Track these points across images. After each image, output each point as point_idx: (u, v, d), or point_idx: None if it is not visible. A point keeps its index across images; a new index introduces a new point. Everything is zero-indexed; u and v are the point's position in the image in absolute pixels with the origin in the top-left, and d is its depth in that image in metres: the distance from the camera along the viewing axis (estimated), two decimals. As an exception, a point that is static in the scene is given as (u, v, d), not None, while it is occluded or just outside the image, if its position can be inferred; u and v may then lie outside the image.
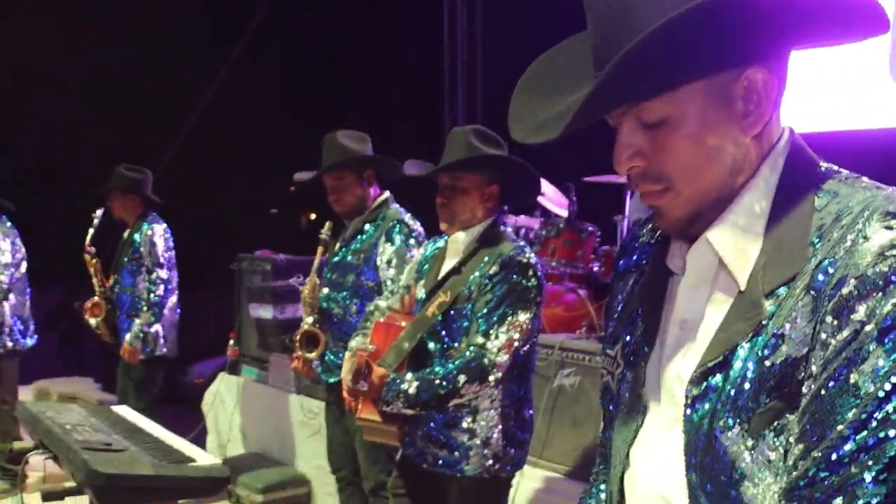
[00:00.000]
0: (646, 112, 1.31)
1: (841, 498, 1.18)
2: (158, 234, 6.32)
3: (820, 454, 1.19)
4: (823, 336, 1.21)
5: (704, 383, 1.33)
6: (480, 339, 3.23)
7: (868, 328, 1.17)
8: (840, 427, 1.18)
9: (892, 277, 1.17)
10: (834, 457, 1.18)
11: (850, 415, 1.18)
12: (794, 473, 1.22)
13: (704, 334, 1.38)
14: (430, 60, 10.02)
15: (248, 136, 11.69)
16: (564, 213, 6.57)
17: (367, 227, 4.53)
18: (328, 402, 4.91)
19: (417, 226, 4.53)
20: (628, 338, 1.54)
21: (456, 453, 3.35)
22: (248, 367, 7.15)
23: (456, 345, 3.36)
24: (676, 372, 1.41)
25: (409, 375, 3.24)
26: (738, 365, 1.29)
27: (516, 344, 3.26)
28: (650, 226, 1.61)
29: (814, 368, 1.22)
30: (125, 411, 3.40)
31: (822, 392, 1.20)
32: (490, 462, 3.36)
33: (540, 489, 4.59)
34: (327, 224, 4.67)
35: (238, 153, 11.59)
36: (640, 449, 1.46)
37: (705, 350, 1.34)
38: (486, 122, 5.37)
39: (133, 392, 6.36)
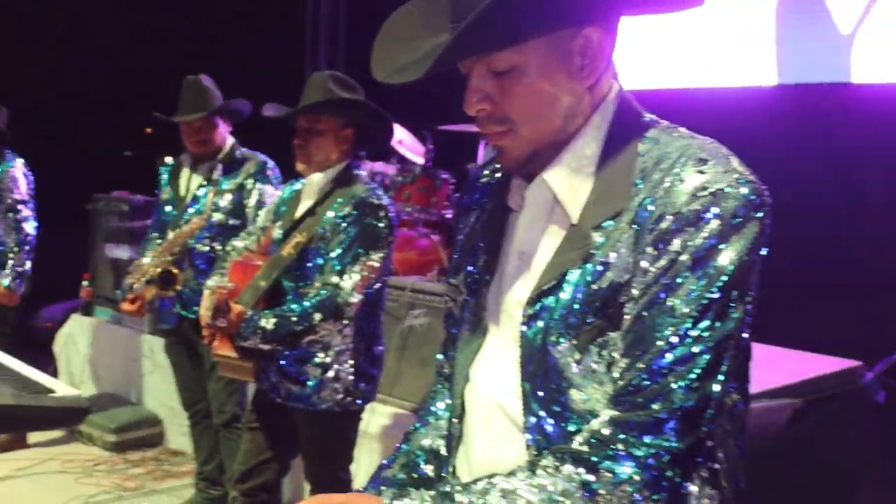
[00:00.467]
0: (495, 61, 1.47)
1: (659, 403, 1.38)
2: (20, 169, 6.14)
3: (643, 365, 1.39)
4: (644, 264, 1.41)
5: (538, 304, 1.50)
6: (335, 279, 3.37)
7: (683, 258, 1.38)
8: (660, 343, 1.38)
9: (703, 214, 1.38)
10: (654, 367, 1.38)
11: (667, 332, 1.38)
12: (620, 383, 1.42)
13: (539, 263, 1.54)
14: (293, 7, 10.02)
15: (103, 75, 11.46)
16: (420, 160, 6.74)
17: (226, 168, 4.63)
18: (171, 340, 4.99)
19: (277, 169, 4.68)
20: (470, 268, 1.70)
21: (308, 387, 3.50)
22: (101, 308, 7.12)
23: (310, 283, 3.48)
24: (515, 297, 1.57)
25: (266, 312, 3.36)
26: (568, 289, 1.47)
27: (370, 280, 3.42)
28: (491, 167, 1.79)
29: (635, 292, 1.42)
30: (-20, 346, 3.42)
31: (644, 313, 1.40)
32: (340, 396, 3.52)
33: (389, 425, 4.78)
34: (168, 160, 4.80)
35: (92, 91, 11.36)
36: (480, 365, 1.63)
37: (540, 275, 1.51)
38: (347, 69, 5.44)
39: (-14, 332, 6.27)
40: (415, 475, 1.73)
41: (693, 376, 1.37)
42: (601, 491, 1.38)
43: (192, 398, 5.03)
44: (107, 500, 5.28)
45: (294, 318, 3.31)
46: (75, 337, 7.20)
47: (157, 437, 6.41)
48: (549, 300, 1.49)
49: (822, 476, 3.68)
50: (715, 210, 1.38)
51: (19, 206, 6.05)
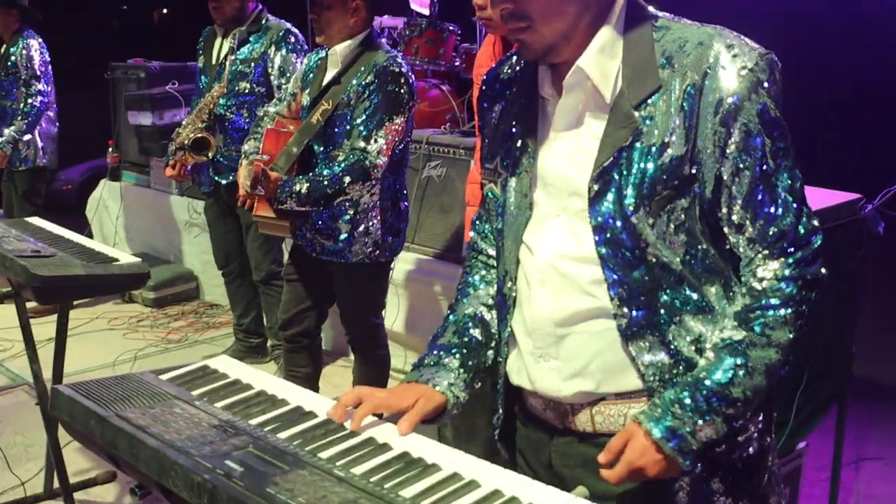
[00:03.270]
0: None
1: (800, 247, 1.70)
2: (35, 48, 6.45)
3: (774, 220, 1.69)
4: (718, 141, 1.67)
5: (603, 179, 1.71)
6: (361, 143, 3.61)
7: (752, 126, 1.66)
8: (782, 194, 1.69)
9: (752, 88, 1.65)
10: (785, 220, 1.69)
11: (780, 189, 1.69)
12: (762, 238, 1.70)
13: (586, 142, 1.75)
14: None
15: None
16: (426, 11, 6.88)
17: (251, 36, 4.84)
18: (210, 203, 5.29)
19: (300, 36, 4.88)
20: (505, 154, 1.90)
21: (340, 242, 3.80)
22: (128, 172, 7.41)
23: (338, 147, 3.74)
24: (564, 174, 1.78)
25: (300, 177, 3.62)
26: (636, 165, 1.68)
27: (394, 143, 3.67)
28: (508, 63, 1.99)
29: (724, 169, 1.68)
30: (38, 222, 3.72)
31: (752, 179, 1.68)
32: (370, 249, 3.82)
33: (413, 270, 5.14)
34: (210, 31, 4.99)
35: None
36: (533, 234, 1.84)
37: (597, 153, 1.72)
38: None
39: (18, 203, 6.63)
40: (465, 338, 1.95)
41: (808, 214, 1.72)
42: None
43: (226, 258, 5.36)
44: (154, 353, 5.70)
45: (325, 182, 3.56)
46: (105, 201, 7.52)
47: (193, 292, 6.83)
48: (614, 174, 1.70)
49: (826, 305, 3.91)
50: (756, 81, 1.66)
51: (32, 81, 6.46)
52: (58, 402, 1.75)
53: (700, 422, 1.65)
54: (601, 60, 1.73)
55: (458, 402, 1.88)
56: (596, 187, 1.72)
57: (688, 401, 1.65)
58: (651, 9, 1.80)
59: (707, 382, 1.67)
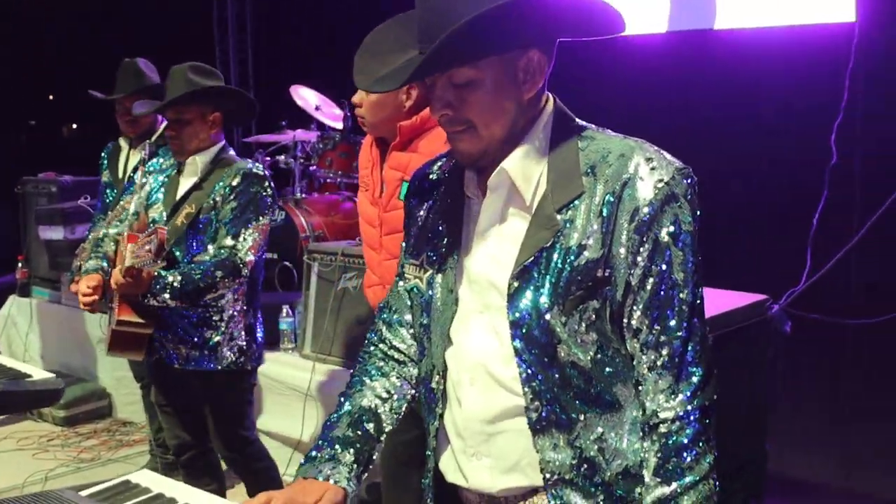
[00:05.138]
0: (456, 76, 1.80)
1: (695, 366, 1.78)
2: None
3: (669, 334, 1.77)
4: (631, 248, 1.75)
5: (523, 277, 1.79)
6: (230, 241, 3.68)
7: (663, 237, 1.75)
8: (678, 308, 1.77)
9: (666, 200, 1.75)
10: (679, 334, 1.77)
11: (678, 299, 1.77)
12: (655, 350, 1.77)
13: (505, 241, 1.85)
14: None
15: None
16: (338, 124, 7.00)
17: (160, 149, 4.86)
18: None
19: None
20: (431, 250, 1.99)
21: (206, 350, 3.81)
22: (38, 288, 7.30)
23: (201, 252, 3.78)
24: (486, 271, 1.87)
25: (170, 271, 3.62)
26: (553, 265, 1.77)
27: (260, 244, 3.75)
28: (438, 164, 2.10)
29: (634, 274, 1.76)
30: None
31: (655, 289, 1.76)
32: (236, 356, 3.85)
33: (328, 381, 5.10)
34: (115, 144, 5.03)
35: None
36: (456, 329, 1.92)
37: (519, 253, 1.81)
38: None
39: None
40: (359, 432, 2.00)
41: (703, 335, 1.80)
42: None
43: (140, 370, 5.26)
44: (66, 472, 5.53)
45: (198, 275, 3.58)
46: (14, 318, 7.37)
47: (105, 409, 6.67)
48: (533, 274, 1.79)
49: (737, 405, 4.04)
50: (670, 195, 1.75)
51: None
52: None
53: None
54: (525, 164, 1.84)
55: (353, 496, 1.93)
56: (515, 284, 1.80)
57: None
58: (578, 121, 1.92)
59: None
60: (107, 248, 4.09)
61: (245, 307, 3.88)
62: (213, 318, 3.79)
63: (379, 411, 2.05)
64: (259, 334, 3.98)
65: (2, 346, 7.35)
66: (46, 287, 7.23)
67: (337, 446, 1.97)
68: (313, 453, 1.98)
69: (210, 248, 3.76)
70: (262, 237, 3.76)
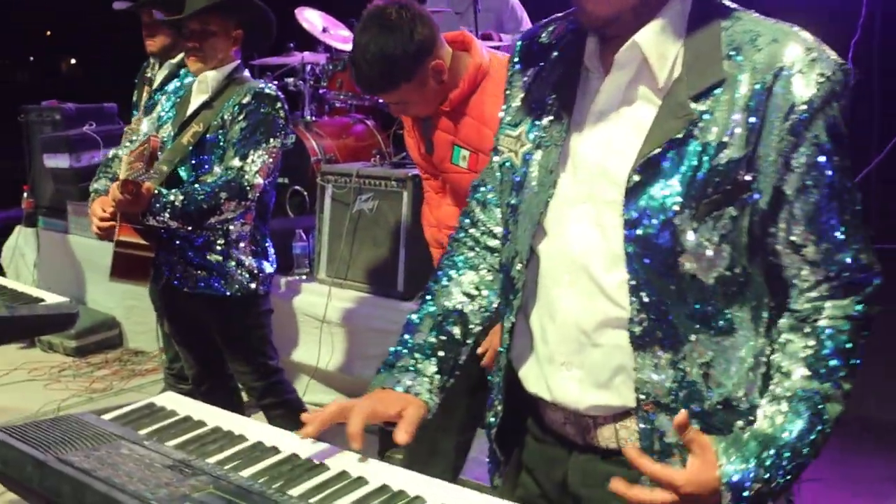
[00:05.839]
0: None
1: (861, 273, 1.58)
2: None
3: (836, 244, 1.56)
4: (783, 151, 1.52)
5: (647, 171, 1.55)
6: (238, 162, 3.47)
7: (823, 140, 1.52)
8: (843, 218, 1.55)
9: (827, 99, 1.51)
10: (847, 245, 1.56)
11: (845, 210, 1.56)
12: (822, 264, 1.56)
13: (626, 126, 1.61)
14: None
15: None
16: (347, 46, 6.80)
17: (181, 70, 4.68)
18: None
19: None
20: (533, 122, 1.74)
21: (214, 272, 3.63)
22: (45, 217, 7.16)
23: (207, 171, 3.60)
24: (598, 157, 1.63)
25: (174, 190, 3.43)
26: (687, 161, 1.53)
27: (269, 167, 3.55)
28: (552, 27, 1.83)
29: (787, 184, 1.53)
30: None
31: (817, 196, 1.54)
32: (246, 279, 3.66)
33: (346, 306, 5.00)
34: (151, 63, 4.81)
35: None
36: (551, 217, 1.68)
37: (644, 142, 1.56)
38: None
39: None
40: (443, 337, 1.80)
41: (869, 244, 1.59)
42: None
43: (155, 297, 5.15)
44: (79, 403, 5.45)
45: (201, 196, 3.38)
46: (21, 248, 7.26)
47: (116, 339, 6.57)
48: (664, 166, 1.55)
49: None
50: (832, 92, 1.52)
51: None
52: (-12, 448, 1.60)
53: (772, 480, 1.52)
54: (661, 40, 1.59)
55: (433, 409, 1.76)
56: (637, 178, 1.57)
57: (769, 461, 1.52)
58: None
59: (785, 437, 1.54)
60: (116, 168, 3.89)
61: (253, 232, 3.71)
62: (218, 241, 3.62)
63: (466, 311, 1.86)
64: (270, 259, 3.81)
65: (10, 277, 7.19)
66: (52, 216, 7.09)
67: (417, 354, 1.80)
68: (391, 359, 1.81)
69: (217, 168, 3.58)
70: (273, 160, 3.56)
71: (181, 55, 4.67)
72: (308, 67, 6.82)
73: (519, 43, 1.89)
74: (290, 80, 6.89)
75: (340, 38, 6.94)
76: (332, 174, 5.17)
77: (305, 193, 5.94)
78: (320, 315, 4.98)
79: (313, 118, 6.61)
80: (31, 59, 16.19)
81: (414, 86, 2.87)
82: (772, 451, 1.52)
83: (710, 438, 1.52)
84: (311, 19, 7.04)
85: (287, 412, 3.86)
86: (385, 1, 2.86)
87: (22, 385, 5.80)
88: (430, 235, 3.45)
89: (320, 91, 6.73)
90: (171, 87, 4.47)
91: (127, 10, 4.73)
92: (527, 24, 6.78)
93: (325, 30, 6.92)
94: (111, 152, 4.11)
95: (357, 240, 5.06)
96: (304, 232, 5.40)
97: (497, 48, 5.07)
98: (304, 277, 5.31)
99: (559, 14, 1.85)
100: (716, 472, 1.49)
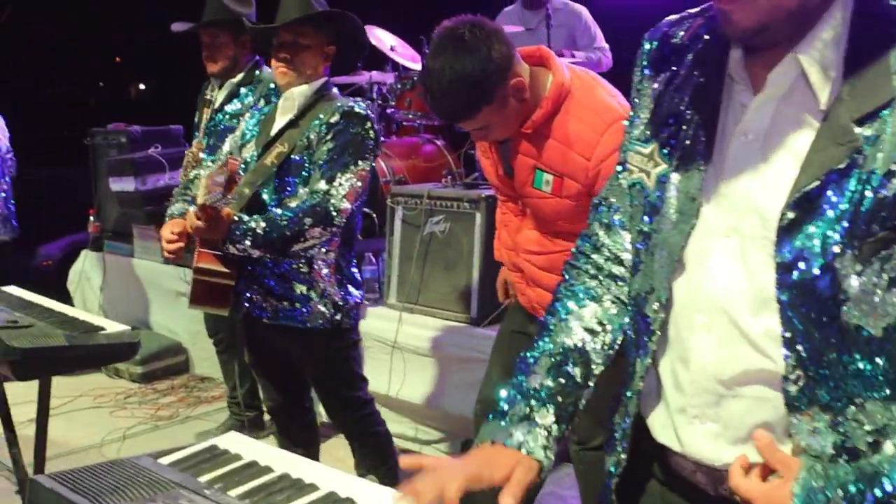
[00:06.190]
0: None
1: None
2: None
3: None
4: None
5: (804, 207, 1.35)
6: (324, 186, 3.27)
7: None
8: None
9: None
10: None
11: None
12: None
13: (779, 152, 1.41)
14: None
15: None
16: (416, 65, 6.66)
17: (242, 90, 4.57)
18: None
19: None
20: (671, 140, 1.55)
21: (297, 304, 3.43)
22: (110, 241, 7.09)
23: (291, 194, 3.41)
24: (745, 187, 1.44)
25: (255, 216, 3.24)
26: (849, 195, 1.32)
27: (358, 191, 3.33)
28: (686, 26, 1.62)
29: None
30: (14, 290, 3.42)
31: None
32: (331, 312, 3.45)
33: (417, 331, 4.82)
34: (211, 84, 4.70)
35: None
36: (692, 250, 1.50)
37: (800, 172, 1.36)
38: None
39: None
40: (562, 379, 1.61)
41: None
42: None
43: (215, 326, 5.06)
44: (145, 430, 5.34)
45: (284, 222, 3.20)
46: (88, 273, 7.19)
47: (182, 365, 6.47)
48: (822, 203, 1.34)
49: None
50: None
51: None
52: (37, 497, 1.44)
53: None
54: (824, 55, 1.38)
55: (547, 469, 1.56)
56: (791, 215, 1.36)
57: (853, 490, 1.30)
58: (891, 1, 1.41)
59: (885, 482, 1.30)
60: (195, 191, 3.66)
61: (338, 259, 3.48)
62: (302, 270, 3.41)
63: (588, 349, 1.65)
64: (357, 287, 3.58)
65: (77, 302, 7.19)
66: (118, 240, 7.02)
67: (532, 401, 1.60)
68: (504, 407, 1.61)
69: (301, 191, 3.37)
70: (362, 184, 3.34)
71: (241, 75, 4.57)
72: (376, 87, 6.70)
73: (647, 44, 1.67)
74: (358, 99, 6.75)
75: (409, 56, 6.81)
76: (403, 196, 5.01)
77: (374, 216, 5.77)
78: (391, 341, 4.81)
79: (382, 138, 6.45)
80: (101, 84, 16.37)
81: (495, 107, 2.70)
82: (860, 489, 1.30)
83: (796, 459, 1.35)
84: (381, 37, 6.92)
85: (376, 445, 3.70)
86: (455, 21, 2.69)
87: (87, 412, 5.68)
88: (507, 258, 3.26)
89: (388, 111, 6.58)
90: (230, 107, 4.35)
91: (188, 31, 4.64)
92: (601, 39, 6.61)
93: (392, 48, 6.79)
94: (192, 173, 3.97)
95: (428, 263, 4.89)
96: (373, 255, 5.25)
97: (572, 64, 4.89)
98: (374, 302, 5.14)
99: (693, 10, 1.62)
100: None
